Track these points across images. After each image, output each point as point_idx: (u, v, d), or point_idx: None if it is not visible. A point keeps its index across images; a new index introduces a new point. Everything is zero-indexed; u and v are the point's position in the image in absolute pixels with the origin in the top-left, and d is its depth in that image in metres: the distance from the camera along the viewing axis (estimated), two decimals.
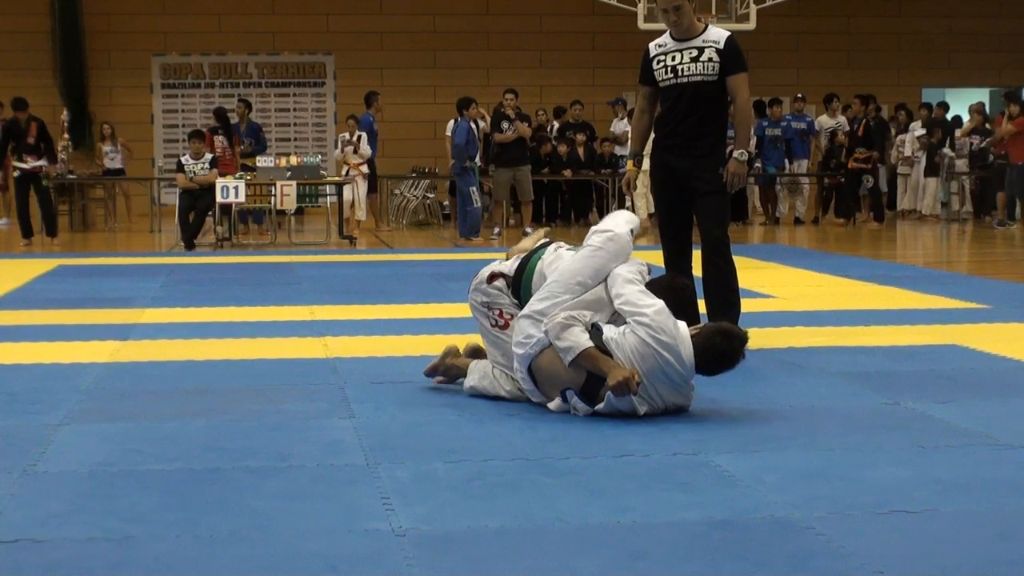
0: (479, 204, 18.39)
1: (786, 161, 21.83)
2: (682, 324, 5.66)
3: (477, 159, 18.83)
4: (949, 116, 23.29)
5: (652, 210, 20.74)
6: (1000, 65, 26.52)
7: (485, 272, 6.29)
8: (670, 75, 7.67)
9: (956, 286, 11.02)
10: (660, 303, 5.68)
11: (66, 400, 6.20)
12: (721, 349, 5.64)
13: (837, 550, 3.87)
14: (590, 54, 25.37)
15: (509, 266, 6.27)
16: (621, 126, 21.67)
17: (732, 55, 7.64)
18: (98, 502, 4.43)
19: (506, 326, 6.10)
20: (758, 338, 8.01)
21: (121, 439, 5.39)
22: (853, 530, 4.06)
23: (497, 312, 6.14)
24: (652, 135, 8.03)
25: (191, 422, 5.72)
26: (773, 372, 6.96)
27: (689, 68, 7.63)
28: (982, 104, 22.63)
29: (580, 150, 21.51)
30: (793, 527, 4.10)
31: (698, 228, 7.85)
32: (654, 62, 7.74)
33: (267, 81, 25.26)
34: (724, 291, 7.77)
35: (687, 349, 5.56)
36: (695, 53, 7.64)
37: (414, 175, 22.59)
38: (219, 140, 19.24)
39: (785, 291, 10.86)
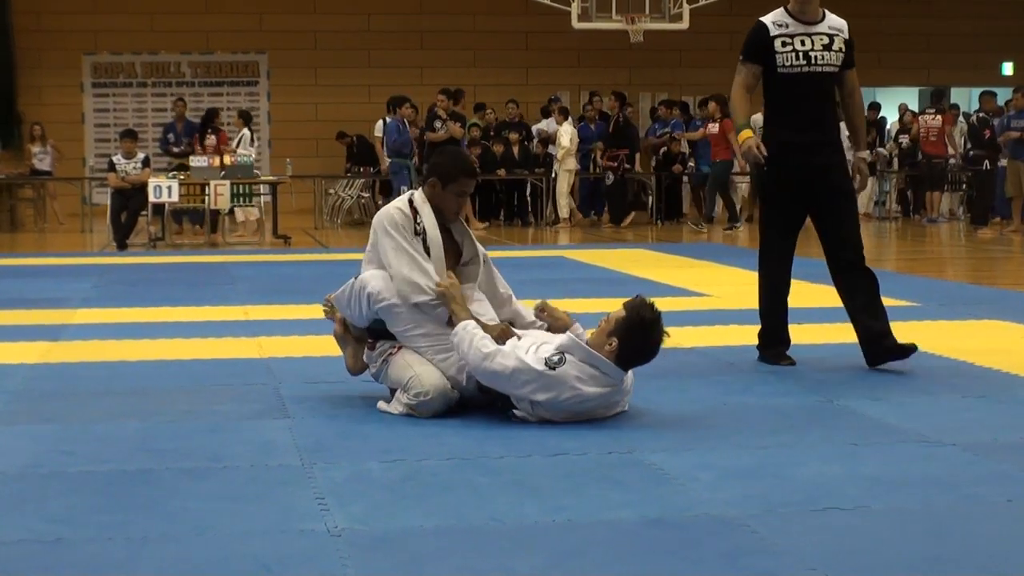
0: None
1: None
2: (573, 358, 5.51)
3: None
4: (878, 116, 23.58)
5: (573, 209, 20.96)
6: (928, 65, 26.80)
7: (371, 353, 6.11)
8: (801, 61, 7.00)
9: (887, 284, 11.04)
10: (527, 369, 5.48)
11: None
12: (642, 345, 5.56)
13: (771, 547, 3.89)
14: (524, 53, 25.40)
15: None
16: (554, 125, 21.69)
17: (853, 47, 7.13)
18: (28, 504, 4.38)
19: (396, 352, 5.93)
20: (693, 337, 8.05)
21: (51, 440, 5.33)
22: (786, 527, 4.09)
23: (386, 353, 5.95)
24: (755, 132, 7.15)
25: (123, 423, 5.67)
26: (707, 370, 6.99)
27: (822, 56, 7.00)
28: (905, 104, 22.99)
29: (515, 149, 21.50)
30: (727, 525, 4.12)
31: (828, 235, 7.15)
32: (776, 42, 7.03)
33: (200, 80, 25.11)
34: (880, 310, 7.06)
35: (601, 380, 5.51)
36: (826, 40, 7.03)
37: (349, 175, 22.52)
38: (210, 139, 19.26)
39: (719, 290, 10.92)
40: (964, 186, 22.01)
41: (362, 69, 24.97)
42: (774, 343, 7.21)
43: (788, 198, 7.12)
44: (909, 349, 6.87)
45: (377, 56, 25.05)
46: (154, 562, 3.78)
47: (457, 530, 4.07)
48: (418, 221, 5.98)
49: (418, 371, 5.77)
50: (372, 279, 5.91)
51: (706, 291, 10.77)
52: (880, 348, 6.94)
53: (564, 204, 20.71)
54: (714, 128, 19.98)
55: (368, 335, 6.08)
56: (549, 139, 21.76)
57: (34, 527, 4.10)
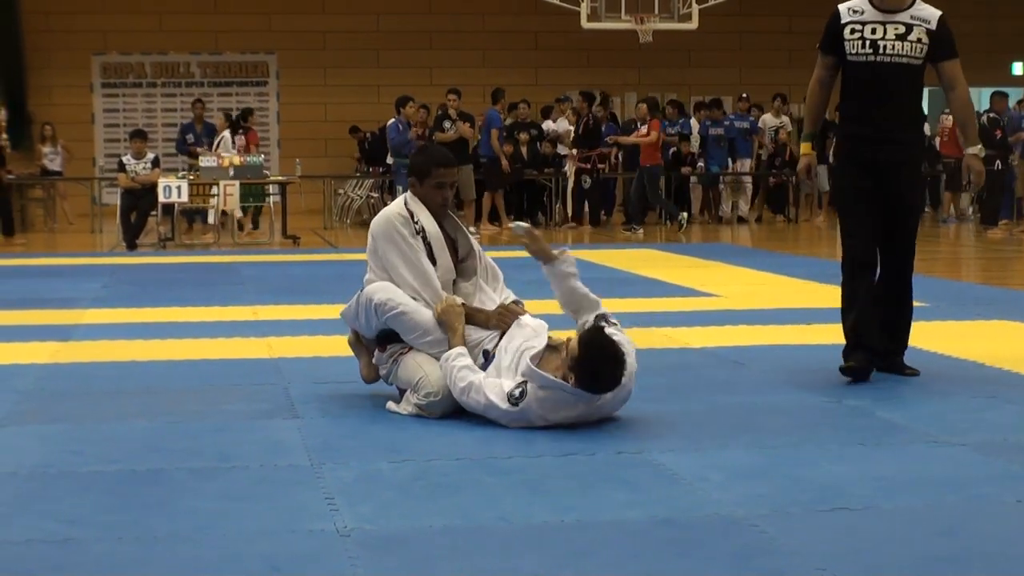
0: None
1: (729, 160, 21.94)
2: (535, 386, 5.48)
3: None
4: None
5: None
6: None
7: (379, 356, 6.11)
8: (867, 50, 6.57)
9: None
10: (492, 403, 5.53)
11: (4, 401, 6.14)
12: (598, 383, 5.43)
13: (780, 548, 3.89)
14: (533, 53, 25.38)
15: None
16: (564, 124, 21.69)
17: (945, 39, 6.63)
18: (38, 504, 4.39)
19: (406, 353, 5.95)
20: (702, 337, 8.05)
21: (61, 440, 5.34)
22: (795, 527, 4.09)
23: (392, 357, 5.97)
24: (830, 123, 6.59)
25: (132, 423, 5.68)
26: (716, 371, 6.98)
27: (893, 46, 6.54)
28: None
29: (523, 149, 21.45)
30: (736, 525, 4.12)
31: (885, 249, 6.74)
32: (846, 29, 6.61)
33: (210, 80, 25.12)
34: (903, 329, 6.77)
35: (568, 400, 5.44)
36: (902, 30, 6.56)
37: (358, 175, 22.53)
38: (238, 138, 19.35)
39: (728, 290, 10.91)
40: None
41: (371, 69, 24.98)
42: (849, 349, 6.69)
43: (855, 198, 6.71)
44: (911, 374, 6.70)
45: (386, 56, 25.06)
46: (163, 562, 3.78)
47: (466, 530, 4.08)
48: (416, 221, 6.01)
49: (428, 371, 5.79)
50: (378, 291, 5.93)
51: (715, 291, 10.75)
52: (891, 363, 6.73)
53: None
54: (643, 131, 19.71)
55: (377, 337, 6.09)
56: (558, 139, 21.75)
57: (44, 527, 4.11)
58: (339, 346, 7.76)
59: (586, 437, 5.29)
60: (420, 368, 5.81)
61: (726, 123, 21.93)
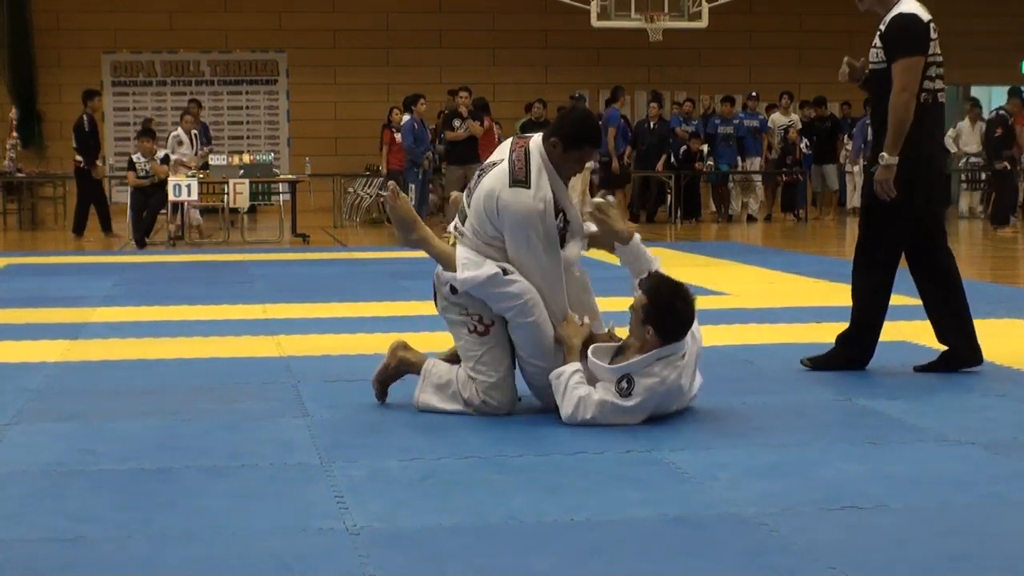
0: (413, 202, 18.43)
1: (738, 159, 21.94)
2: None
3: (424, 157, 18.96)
4: None
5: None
6: (950, 63, 26.70)
7: (445, 285, 5.83)
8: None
9: (907, 283, 11.05)
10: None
11: (15, 400, 6.15)
12: (677, 322, 5.59)
13: (789, 546, 3.89)
14: (543, 52, 25.38)
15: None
16: None
17: (892, 37, 6.41)
18: (48, 502, 4.40)
19: (486, 332, 5.72)
20: (712, 336, 8.04)
21: (72, 439, 5.35)
22: (805, 526, 4.08)
23: (476, 318, 5.73)
24: None
25: (143, 421, 5.68)
26: (726, 369, 6.97)
27: (871, 55, 6.57)
28: None
29: None
30: (746, 524, 4.12)
31: None
32: None
33: (219, 79, 25.15)
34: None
35: (669, 359, 5.54)
36: (875, 37, 6.51)
37: (367, 173, 22.54)
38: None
39: (738, 288, 10.90)
40: (983, 184, 21.96)
41: (381, 68, 24.99)
42: None
43: None
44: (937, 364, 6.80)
45: (396, 55, 25.07)
46: (174, 560, 3.79)
47: (476, 528, 4.08)
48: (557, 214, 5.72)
49: (502, 389, 5.72)
50: (525, 292, 5.63)
51: (725, 290, 10.75)
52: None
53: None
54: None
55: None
56: None
57: (54, 525, 4.12)
58: (349, 344, 7.78)
59: (595, 436, 5.29)
60: (497, 387, 5.72)
61: (735, 121, 21.92)
